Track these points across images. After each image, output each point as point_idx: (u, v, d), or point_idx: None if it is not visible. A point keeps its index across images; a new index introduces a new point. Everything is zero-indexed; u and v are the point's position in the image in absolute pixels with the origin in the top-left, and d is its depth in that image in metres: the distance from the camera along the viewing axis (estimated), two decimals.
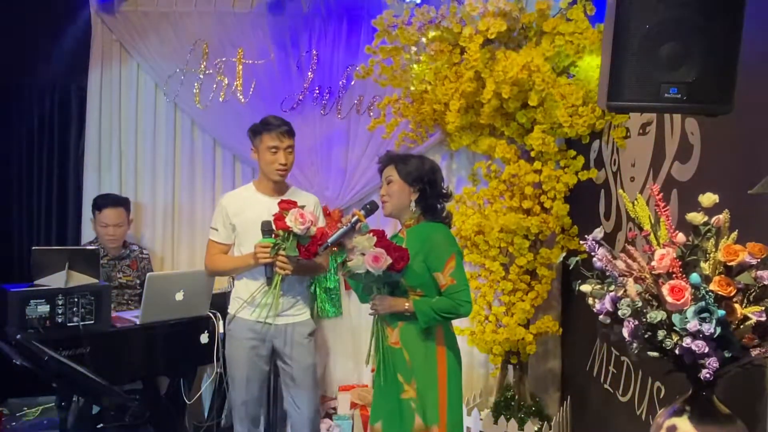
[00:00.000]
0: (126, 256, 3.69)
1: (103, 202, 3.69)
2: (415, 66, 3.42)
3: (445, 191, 2.57)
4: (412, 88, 3.47)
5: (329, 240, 2.45)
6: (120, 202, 3.72)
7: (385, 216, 2.58)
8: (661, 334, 1.49)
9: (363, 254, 2.30)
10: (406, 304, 2.41)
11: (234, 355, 2.89)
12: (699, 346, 1.42)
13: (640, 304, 1.52)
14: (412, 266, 2.38)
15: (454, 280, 2.41)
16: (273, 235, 2.67)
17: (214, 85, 4.02)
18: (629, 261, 1.58)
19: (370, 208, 2.49)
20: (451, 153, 3.95)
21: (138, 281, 3.66)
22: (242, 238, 2.86)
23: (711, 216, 1.58)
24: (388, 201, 2.52)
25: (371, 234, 2.34)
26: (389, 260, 2.28)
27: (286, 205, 2.63)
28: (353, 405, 3.84)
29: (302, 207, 2.64)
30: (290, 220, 2.57)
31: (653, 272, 1.55)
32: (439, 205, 2.55)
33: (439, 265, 2.41)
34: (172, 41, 4.03)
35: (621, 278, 1.60)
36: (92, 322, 2.92)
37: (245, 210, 2.85)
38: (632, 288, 1.54)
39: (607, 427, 2.98)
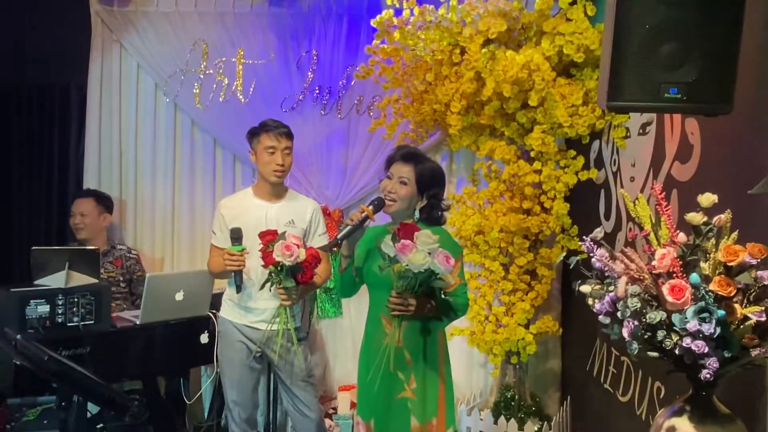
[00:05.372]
0: (108, 252, 3.71)
1: (76, 194, 3.80)
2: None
3: (444, 202, 2.54)
4: (416, 82, 3.44)
5: (338, 236, 2.38)
6: (90, 193, 3.78)
7: (386, 213, 2.50)
8: (660, 334, 1.49)
9: (429, 253, 2.17)
10: (431, 303, 2.38)
11: (225, 355, 2.92)
12: (699, 346, 1.42)
13: (637, 304, 1.51)
14: None
15: (461, 280, 2.45)
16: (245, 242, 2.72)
17: (214, 85, 4.01)
18: (627, 262, 1.58)
19: (378, 204, 2.44)
20: (451, 153, 3.95)
21: (121, 278, 3.68)
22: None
23: (710, 216, 1.57)
24: (397, 201, 2.44)
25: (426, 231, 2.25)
26: (454, 260, 2.23)
27: (270, 237, 2.55)
28: (353, 405, 3.83)
29: (283, 234, 2.56)
30: (278, 255, 2.49)
31: (653, 272, 1.55)
32: (438, 213, 2.52)
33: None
34: (172, 41, 4.02)
35: (623, 277, 1.59)
36: (92, 322, 2.93)
37: (242, 215, 2.86)
38: (622, 287, 1.54)
39: (607, 427, 2.98)
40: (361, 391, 2.57)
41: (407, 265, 2.17)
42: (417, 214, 2.47)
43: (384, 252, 2.23)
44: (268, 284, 2.60)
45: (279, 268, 2.53)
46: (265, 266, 2.56)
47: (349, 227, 2.37)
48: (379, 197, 2.48)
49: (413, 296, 2.29)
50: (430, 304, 2.36)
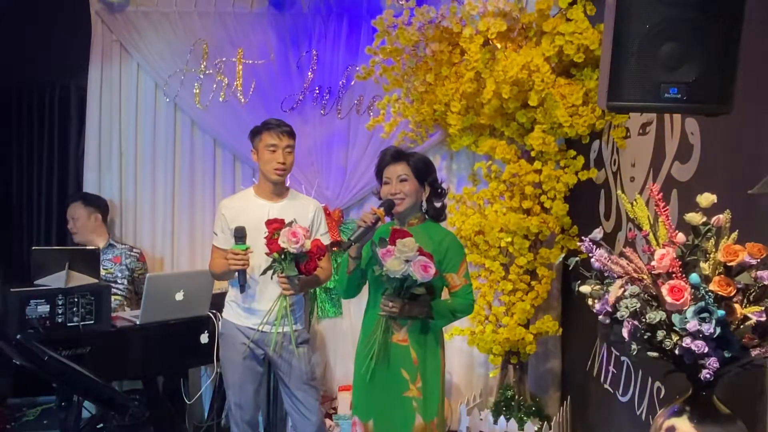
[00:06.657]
0: (106, 250, 3.71)
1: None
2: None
3: (442, 189, 2.59)
4: (416, 83, 3.45)
5: (351, 238, 2.39)
6: (77, 197, 3.80)
7: (398, 212, 2.50)
8: (660, 334, 1.49)
9: (407, 260, 2.20)
10: (409, 306, 2.38)
11: (228, 357, 2.90)
12: (699, 346, 1.42)
13: (637, 304, 1.51)
14: None
15: (467, 281, 2.49)
16: (245, 241, 2.70)
17: (214, 85, 4.02)
18: (622, 263, 1.58)
19: (389, 206, 2.45)
20: (451, 153, 3.95)
21: (119, 275, 3.68)
22: None
23: (709, 216, 1.57)
24: (405, 199, 2.47)
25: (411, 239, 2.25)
26: (434, 270, 2.23)
27: (277, 225, 2.56)
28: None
29: (291, 223, 2.57)
30: (283, 241, 2.50)
31: (653, 272, 1.55)
32: (440, 203, 2.58)
33: (454, 267, 2.46)
34: (172, 41, 4.02)
35: (618, 279, 1.60)
36: (92, 322, 2.93)
37: (243, 215, 2.85)
38: (615, 291, 1.54)
39: (607, 427, 2.98)
40: (359, 391, 2.56)
41: (386, 271, 2.23)
42: (424, 206, 2.54)
43: (377, 255, 2.27)
44: (270, 272, 2.61)
45: (283, 256, 2.54)
46: (269, 254, 2.57)
47: (361, 229, 2.38)
48: (388, 199, 2.49)
49: (399, 299, 2.33)
50: (408, 306, 2.36)
